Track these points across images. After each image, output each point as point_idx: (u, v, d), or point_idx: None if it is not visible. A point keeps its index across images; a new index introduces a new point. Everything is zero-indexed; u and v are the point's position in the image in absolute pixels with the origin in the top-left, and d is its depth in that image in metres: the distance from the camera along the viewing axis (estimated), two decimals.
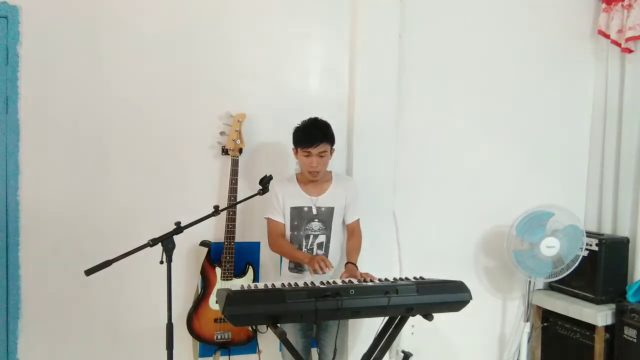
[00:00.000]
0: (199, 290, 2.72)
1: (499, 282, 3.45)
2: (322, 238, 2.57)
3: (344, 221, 2.64)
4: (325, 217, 2.56)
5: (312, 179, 2.52)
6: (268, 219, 2.57)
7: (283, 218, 2.56)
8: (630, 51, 3.26)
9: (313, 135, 2.42)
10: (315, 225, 2.55)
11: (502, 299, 3.48)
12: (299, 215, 2.54)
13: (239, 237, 2.74)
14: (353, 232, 2.64)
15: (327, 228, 2.57)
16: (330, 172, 2.63)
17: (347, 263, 2.53)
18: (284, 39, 2.95)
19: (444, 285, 2.22)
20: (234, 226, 2.68)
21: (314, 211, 2.55)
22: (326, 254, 2.57)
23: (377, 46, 2.98)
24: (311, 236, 2.55)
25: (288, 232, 2.56)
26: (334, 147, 2.53)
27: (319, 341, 2.63)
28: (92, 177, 2.67)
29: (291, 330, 2.46)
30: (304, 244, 2.55)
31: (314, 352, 2.72)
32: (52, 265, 2.62)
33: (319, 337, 2.62)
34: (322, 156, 2.44)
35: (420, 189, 3.23)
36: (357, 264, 2.53)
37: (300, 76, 3.01)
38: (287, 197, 2.54)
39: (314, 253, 2.55)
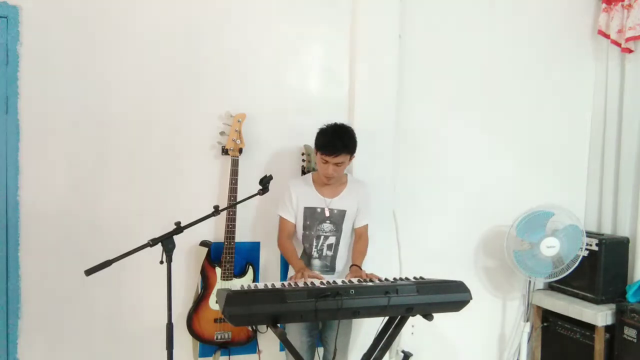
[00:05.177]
0: (199, 290, 2.72)
1: (499, 282, 3.45)
2: (332, 239, 2.58)
3: (353, 224, 2.65)
4: (337, 219, 2.58)
5: (326, 183, 2.55)
6: (280, 217, 2.60)
7: (294, 218, 2.58)
8: (630, 51, 3.26)
9: (335, 145, 2.41)
10: (327, 226, 2.57)
11: (502, 299, 3.48)
12: (312, 216, 2.56)
13: (239, 237, 2.74)
14: (360, 236, 2.65)
15: (337, 230, 2.58)
16: (346, 174, 2.65)
17: (352, 265, 2.54)
18: (284, 39, 2.95)
19: (444, 285, 2.22)
20: (234, 226, 2.68)
21: (327, 213, 2.56)
22: (335, 255, 2.60)
23: (377, 46, 2.98)
24: (322, 237, 2.57)
25: (300, 231, 2.59)
26: (355, 154, 2.54)
27: (324, 339, 2.64)
28: (92, 177, 2.67)
29: (296, 330, 2.47)
30: (315, 244, 2.57)
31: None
32: (52, 265, 2.61)
33: (324, 336, 2.64)
34: (338, 165, 2.46)
35: (420, 188, 3.23)
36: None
37: (300, 76, 3.01)
38: (301, 197, 2.57)
39: (324, 254, 2.59)
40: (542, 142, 3.51)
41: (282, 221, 2.60)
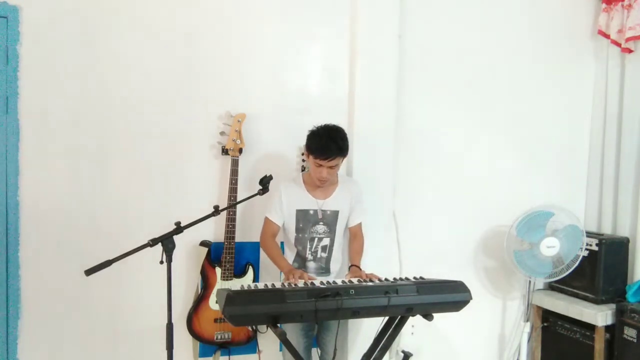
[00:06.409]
0: (199, 290, 2.72)
1: (499, 282, 3.45)
2: (326, 241, 2.57)
3: (346, 224, 2.64)
4: (330, 220, 2.56)
5: (319, 185, 2.52)
6: (266, 217, 2.57)
7: (281, 220, 2.55)
8: (630, 51, 3.26)
9: (329, 149, 2.35)
10: (320, 228, 2.55)
11: (502, 299, 3.48)
12: (305, 218, 2.54)
13: (239, 237, 2.74)
14: (356, 235, 2.64)
15: (331, 231, 2.57)
16: (337, 174, 2.63)
17: (351, 266, 2.53)
18: (284, 39, 2.95)
19: (444, 285, 2.22)
20: (234, 226, 2.68)
21: (320, 214, 2.54)
22: (329, 256, 2.58)
23: (377, 46, 2.98)
24: (316, 239, 2.55)
25: (293, 234, 2.56)
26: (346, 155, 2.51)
27: (320, 341, 2.63)
28: (92, 177, 2.67)
29: (293, 330, 2.46)
30: (309, 246, 2.55)
31: (314, 352, 2.72)
32: (52, 265, 2.61)
33: (320, 337, 2.63)
34: (333, 168, 2.42)
35: (420, 189, 3.23)
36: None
37: (300, 76, 3.01)
38: (292, 199, 2.53)
39: (318, 256, 2.57)
40: (542, 142, 3.51)
41: (268, 222, 2.55)
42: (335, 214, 2.57)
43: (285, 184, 2.57)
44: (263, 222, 2.58)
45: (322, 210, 2.55)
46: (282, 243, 2.66)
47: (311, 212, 2.54)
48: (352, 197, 2.61)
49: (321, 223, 2.55)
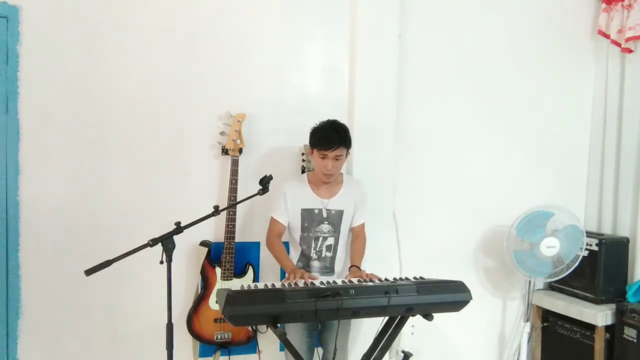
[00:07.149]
0: (199, 290, 2.72)
1: (499, 282, 3.45)
2: (331, 240, 2.57)
3: (350, 224, 2.64)
4: (335, 219, 2.57)
5: (325, 181, 2.53)
6: (271, 217, 2.58)
7: (287, 220, 2.56)
8: (630, 51, 3.26)
9: (331, 138, 2.41)
10: (325, 227, 2.55)
11: (502, 299, 3.48)
12: (309, 217, 2.54)
13: (239, 237, 2.74)
14: (358, 236, 2.64)
15: (336, 231, 2.57)
16: (342, 174, 2.63)
17: (351, 266, 2.53)
18: (284, 39, 2.95)
19: (444, 285, 2.22)
20: (234, 226, 2.68)
21: (324, 214, 2.55)
22: (334, 256, 2.59)
23: (377, 46, 2.98)
24: (320, 238, 2.56)
25: (298, 233, 2.57)
26: (350, 150, 2.53)
27: (323, 340, 2.63)
28: (92, 177, 2.67)
29: (295, 330, 2.46)
30: (313, 245, 2.56)
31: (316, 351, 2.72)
32: (52, 265, 2.62)
33: (323, 337, 2.63)
34: (337, 159, 2.45)
35: (420, 189, 3.23)
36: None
37: (300, 76, 3.01)
38: (297, 199, 2.54)
39: (323, 255, 2.57)
40: (542, 142, 3.51)
41: (273, 222, 2.57)
42: (340, 213, 2.57)
43: (290, 184, 2.59)
44: (269, 222, 2.59)
45: (327, 210, 2.55)
46: (285, 242, 2.66)
47: (316, 211, 2.55)
48: (356, 197, 2.62)
49: (326, 222, 2.56)
